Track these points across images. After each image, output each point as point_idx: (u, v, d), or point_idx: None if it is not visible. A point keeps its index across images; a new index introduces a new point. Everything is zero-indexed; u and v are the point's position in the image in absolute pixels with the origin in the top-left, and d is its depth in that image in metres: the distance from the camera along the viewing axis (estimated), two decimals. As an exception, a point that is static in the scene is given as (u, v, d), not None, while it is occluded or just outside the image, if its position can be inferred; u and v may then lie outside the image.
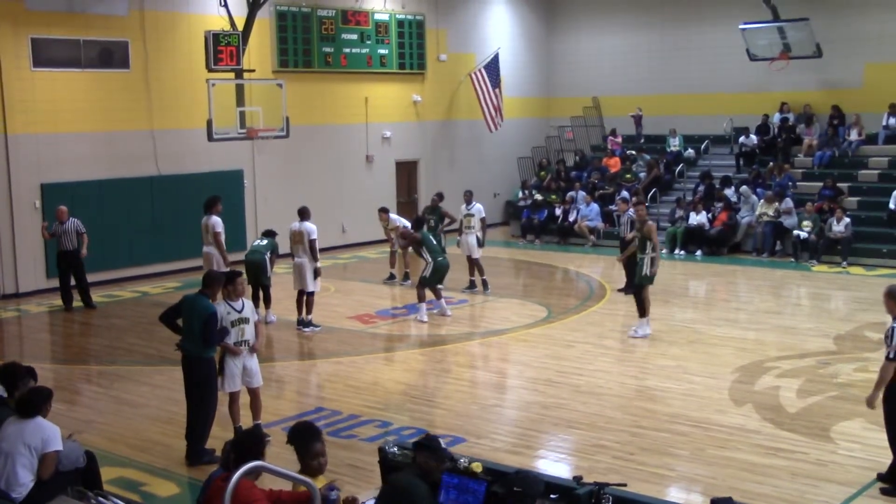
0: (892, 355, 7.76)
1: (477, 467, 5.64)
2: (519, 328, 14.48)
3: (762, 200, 20.84)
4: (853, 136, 22.39)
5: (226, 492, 4.66)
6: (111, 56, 18.43)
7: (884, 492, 8.00)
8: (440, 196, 17.63)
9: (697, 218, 21.00)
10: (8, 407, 7.18)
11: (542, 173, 25.66)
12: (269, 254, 14.60)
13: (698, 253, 20.70)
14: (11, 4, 16.86)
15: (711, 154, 24.67)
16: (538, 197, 24.15)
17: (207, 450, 8.91)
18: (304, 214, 14.42)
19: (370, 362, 12.72)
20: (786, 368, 11.86)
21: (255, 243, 15.07)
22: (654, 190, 23.20)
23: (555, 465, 8.84)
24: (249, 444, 5.59)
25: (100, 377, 12.39)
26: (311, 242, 14.19)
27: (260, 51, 20.19)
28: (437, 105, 24.79)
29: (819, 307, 16.12)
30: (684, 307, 15.71)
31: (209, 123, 17.08)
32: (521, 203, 24.59)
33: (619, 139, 25.69)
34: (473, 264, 17.01)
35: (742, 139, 23.59)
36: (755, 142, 23.44)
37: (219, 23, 18.17)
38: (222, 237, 14.68)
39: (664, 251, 16.78)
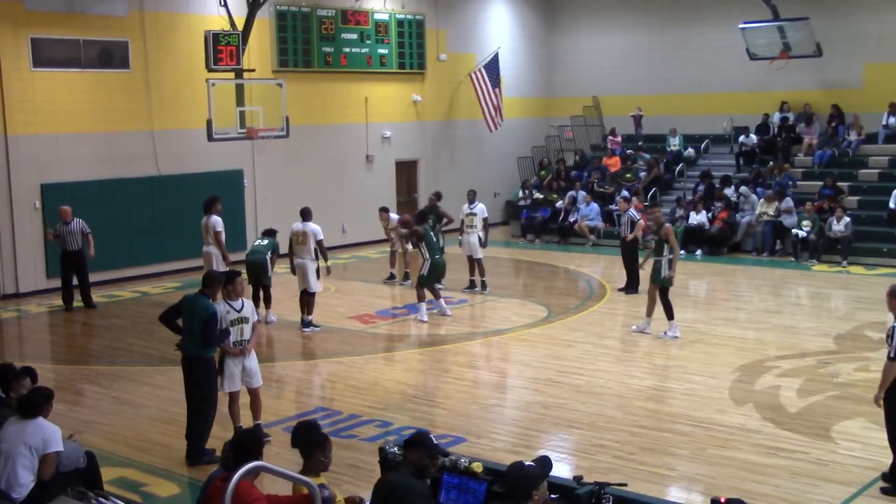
0: (892, 355, 7.76)
1: (477, 467, 5.64)
2: (519, 328, 14.48)
3: (762, 200, 20.85)
4: (853, 136, 22.40)
5: (226, 492, 4.65)
6: (111, 56, 18.43)
7: (884, 491, 8.00)
8: (437, 195, 17.64)
9: (697, 217, 21.00)
10: (9, 407, 7.18)
11: (543, 173, 25.66)
12: (269, 253, 14.60)
13: (698, 252, 20.70)
14: (11, 4, 16.86)
15: (711, 153, 24.67)
16: (538, 195, 24.16)
17: (208, 450, 8.91)
18: (306, 215, 14.41)
19: (370, 362, 12.71)
20: (786, 368, 11.86)
21: (256, 243, 15.06)
22: (654, 189, 23.21)
23: (555, 464, 8.80)
24: (248, 443, 5.59)
25: (100, 377, 12.38)
26: (320, 243, 14.28)
27: (260, 51, 20.19)
28: (437, 105, 24.79)
29: (819, 306, 16.11)
30: (684, 307, 15.67)
31: (209, 123, 17.09)
32: (522, 203, 24.60)
33: (619, 139, 25.70)
34: (475, 264, 17.00)
35: (742, 138, 23.59)
36: (755, 141, 23.44)
37: (219, 23, 18.18)
38: (223, 237, 14.70)
39: (642, 248, 16.74)
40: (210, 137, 17.29)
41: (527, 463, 5.23)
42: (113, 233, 17.96)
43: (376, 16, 22.77)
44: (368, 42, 22.63)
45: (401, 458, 5.92)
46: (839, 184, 21.02)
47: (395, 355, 13.48)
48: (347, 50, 22.15)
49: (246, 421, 9.40)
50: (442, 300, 15.13)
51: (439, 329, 14.44)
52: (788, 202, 20.37)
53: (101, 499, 6.98)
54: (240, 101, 18.06)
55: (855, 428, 9.58)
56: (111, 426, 10.13)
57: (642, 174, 23.95)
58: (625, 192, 20.49)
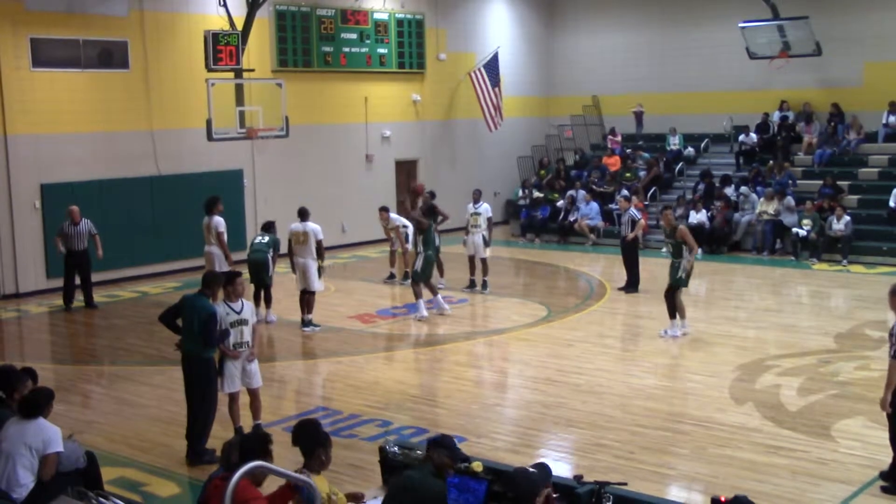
0: (894, 353, 7.74)
1: (477, 466, 5.65)
2: (519, 327, 14.48)
3: (762, 199, 20.84)
4: (852, 134, 22.39)
5: (225, 491, 4.66)
6: (111, 56, 18.43)
7: (884, 490, 7.99)
8: (432, 194, 17.60)
9: (697, 216, 20.99)
10: (9, 408, 7.18)
11: (543, 172, 25.66)
12: (270, 252, 14.59)
13: (699, 252, 20.65)
14: (11, 4, 16.85)
15: (711, 152, 24.67)
16: (538, 195, 24.15)
17: (208, 450, 8.90)
18: (305, 215, 14.41)
19: (370, 362, 12.71)
20: (786, 367, 11.85)
21: (257, 241, 14.94)
22: (653, 188, 23.21)
23: (555, 464, 8.79)
24: (253, 445, 5.64)
25: (100, 377, 12.39)
26: (320, 243, 14.30)
27: (259, 50, 20.18)
28: (437, 104, 24.78)
29: (819, 305, 16.12)
30: (685, 306, 15.68)
31: (209, 123, 17.08)
32: (521, 202, 24.60)
33: (619, 138, 25.69)
34: (479, 263, 16.93)
35: (742, 137, 23.59)
36: (755, 140, 23.44)
37: (218, 23, 18.17)
38: (225, 237, 14.69)
39: (664, 250, 16.75)
40: (210, 137, 17.29)
41: (530, 469, 5.30)
42: (113, 233, 17.92)
43: (376, 15, 22.77)
44: (368, 42, 22.62)
45: (401, 458, 5.97)
46: (839, 182, 21.00)
47: (396, 355, 13.48)
48: (347, 50, 22.15)
49: (246, 421, 9.41)
50: (440, 296, 15.13)
51: (439, 329, 14.44)
52: (789, 201, 20.36)
53: (101, 499, 6.97)
54: (239, 100, 18.06)
55: (855, 426, 9.56)
56: (111, 426, 10.13)
57: (642, 173, 23.94)
58: (625, 192, 20.50)
